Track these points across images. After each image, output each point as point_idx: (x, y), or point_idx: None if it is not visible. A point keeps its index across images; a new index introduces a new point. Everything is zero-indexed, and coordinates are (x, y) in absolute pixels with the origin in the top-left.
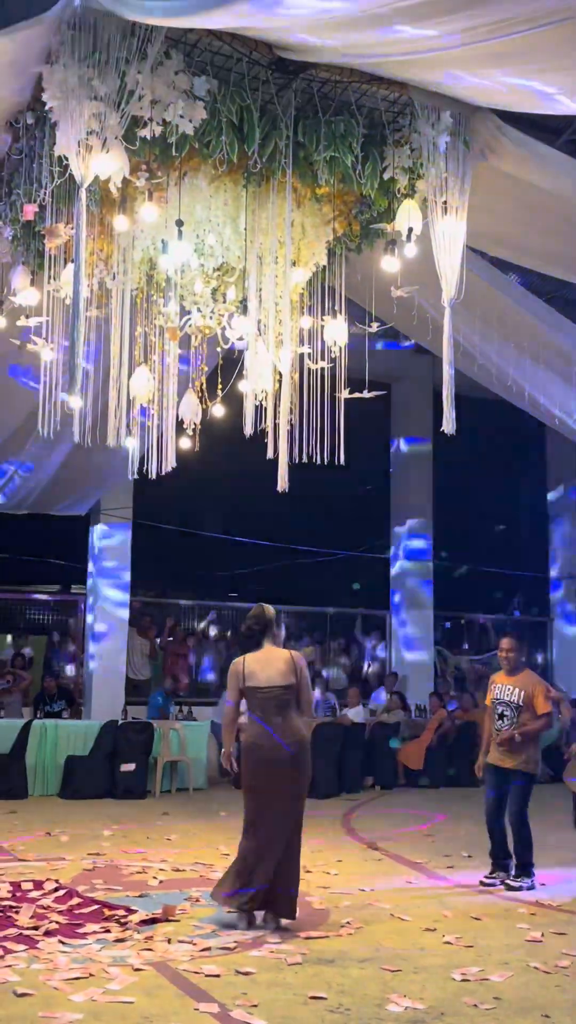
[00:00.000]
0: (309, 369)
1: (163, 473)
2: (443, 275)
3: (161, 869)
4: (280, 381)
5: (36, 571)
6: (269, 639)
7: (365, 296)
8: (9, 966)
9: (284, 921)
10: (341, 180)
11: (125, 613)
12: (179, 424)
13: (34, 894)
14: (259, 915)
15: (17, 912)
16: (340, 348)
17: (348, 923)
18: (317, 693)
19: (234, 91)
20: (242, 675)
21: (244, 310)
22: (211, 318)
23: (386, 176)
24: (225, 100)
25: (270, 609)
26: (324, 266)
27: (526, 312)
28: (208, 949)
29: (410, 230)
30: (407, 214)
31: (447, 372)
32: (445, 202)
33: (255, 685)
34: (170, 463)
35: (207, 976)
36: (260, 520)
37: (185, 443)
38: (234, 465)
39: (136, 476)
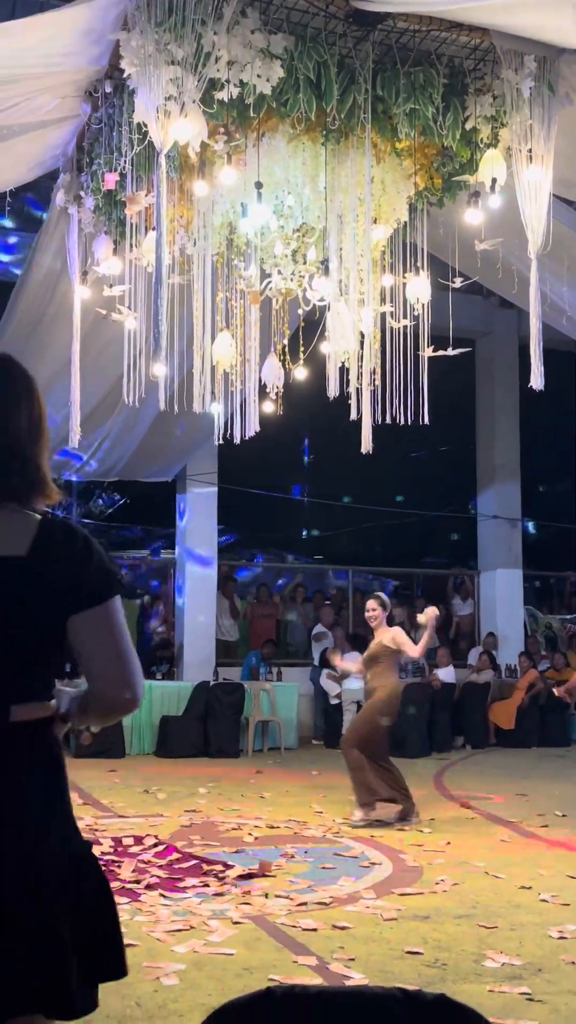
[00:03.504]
0: (391, 328)
1: (247, 437)
2: (528, 226)
3: (256, 826)
4: (362, 341)
5: (125, 537)
6: None
7: (448, 251)
8: None
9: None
10: (422, 133)
11: (213, 576)
12: (262, 388)
13: (135, 849)
14: None
15: (119, 866)
16: (423, 305)
17: (442, 880)
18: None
19: (311, 47)
20: None
21: (325, 270)
22: (292, 280)
23: (468, 126)
24: (302, 57)
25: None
26: (405, 222)
27: None
28: (304, 904)
29: (494, 181)
30: (490, 164)
31: (534, 326)
32: (530, 150)
33: None
34: (254, 427)
35: (304, 930)
36: (345, 482)
37: (268, 407)
38: (318, 427)
39: (221, 441)
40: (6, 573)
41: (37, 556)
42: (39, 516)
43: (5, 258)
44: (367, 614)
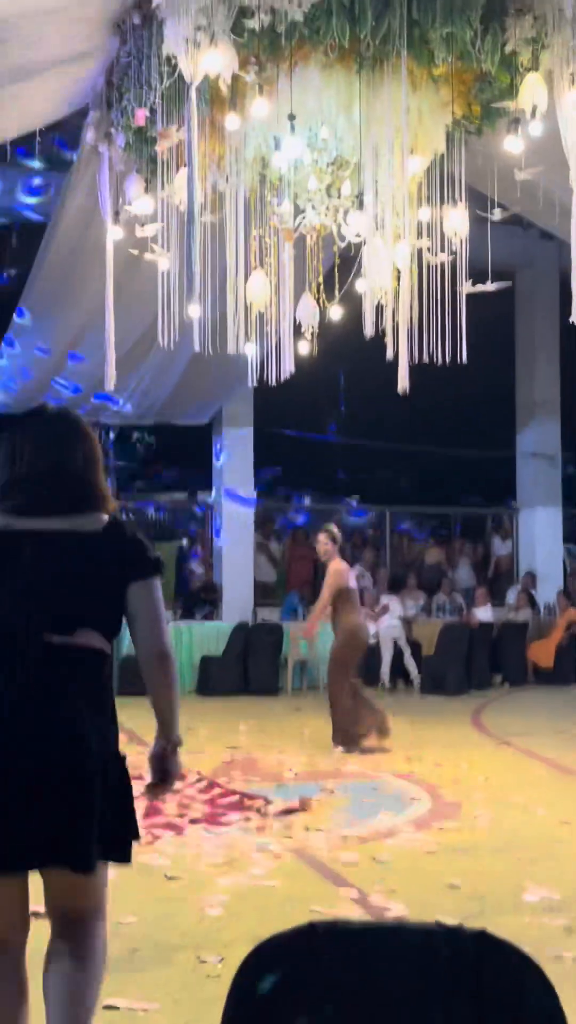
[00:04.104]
0: (429, 263)
1: (282, 379)
2: (571, 153)
3: (296, 762)
4: (399, 278)
5: (162, 479)
6: None
7: (487, 182)
8: (159, 851)
9: None
10: (459, 58)
11: (250, 518)
12: (297, 328)
13: (178, 784)
14: None
15: (163, 801)
16: (461, 239)
17: (481, 815)
18: (443, 594)
19: None
20: None
21: (360, 205)
22: (326, 216)
23: (508, 49)
24: None
25: None
26: (443, 153)
27: None
28: (344, 838)
29: (534, 107)
30: (531, 89)
31: None
32: (572, 74)
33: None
34: (289, 368)
35: (345, 863)
36: (381, 422)
37: (303, 347)
38: (353, 367)
39: (255, 383)
40: (89, 541)
41: (108, 536)
42: (107, 516)
43: (31, 200)
44: (318, 547)
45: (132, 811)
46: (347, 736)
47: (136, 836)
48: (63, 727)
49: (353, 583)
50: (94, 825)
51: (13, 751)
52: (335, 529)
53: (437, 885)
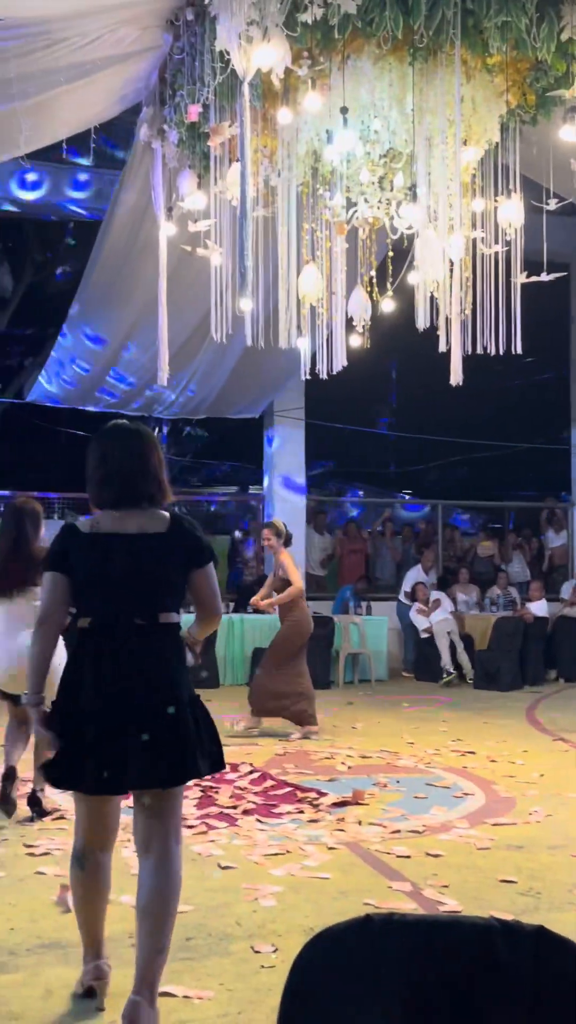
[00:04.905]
0: (482, 255)
1: (334, 372)
2: None
3: (348, 755)
4: (452, 269)
5: (215, 473)
6: None
7: (542, 171)
8: (212, 841)
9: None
10: (514, 47)
11: (301, 512)
12: (349, 321)
13: (231, 776)
14: None
15: (217, 792)
16: (515, 230)
17: (536, 811)
18: (497, 588)
19: None
20: None
21: (413, 197)
22: (378, 208)
23: (564, 37)
24: None
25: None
26: (497, 142)
27: None
28: (398, 832)
29: None
30: None
31: None
32: None
33: None
34: (341, 361)
35: (398, 857)
36: (434, 415)
37: (355, 340)
38: (406, 360)
39: (308, 376)
40: (156, 541)
41: (171, 534)
42: (168, 514)
43: (80, 195)
44: (263, 542)
45: (216, 732)
46: (301, 715)
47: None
48: (156, 683)
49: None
50: (194, 749)
51: (118, 703)
52: (280, 523)
53: (491, 881)
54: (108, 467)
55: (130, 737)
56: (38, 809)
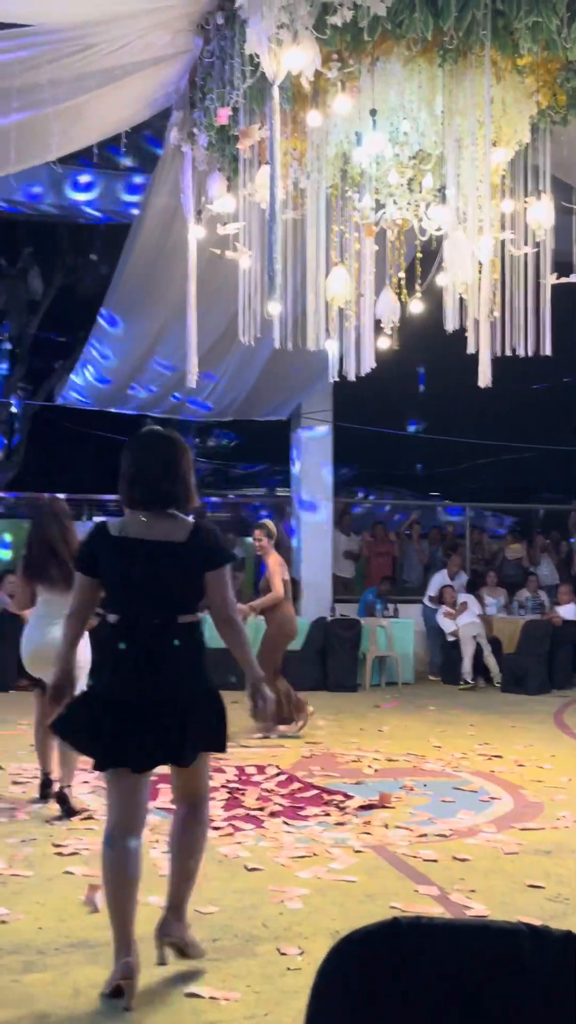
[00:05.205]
0: (512, 256)
1: (362, 374)
2: None
3: (375, 758)
4: (481, 271)
5: (242, 476)
6: None
7: (573, 172)
8: (239, 843)
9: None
10: (545, 47)
11: (328, 514)
12: (377, 323)
13: (257, 778)
14: None
15: (243, 794)
16: (545, 231)
17: (564, 816)
18: (526, 591)
19: None
20: None
21: (442, 198)
22: (407, 210)
23: None
24: None
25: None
26: (527, 143)
27: None
28: (424, 835)
29: None
30: None
31: None
32: None
33: None
34: (369, 364)
35: (425, 861)
36: (462, 417)
37: (384, 342)
38: (434, 362)
39: (336, 378)
40: (178, 549)
41: (191, 542)
42: (191, 520)
43: (133, 199)
44: (254, 543)
45: (225, 720)
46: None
47: (226, 735)
48: (172, 675)
49: (287, 575)
50: (197, 736)
51: (140, 693)
52: (271, 525)
53: (519, 886)
54: (139, 470)
55: (150, 723)
56: (66, 807)
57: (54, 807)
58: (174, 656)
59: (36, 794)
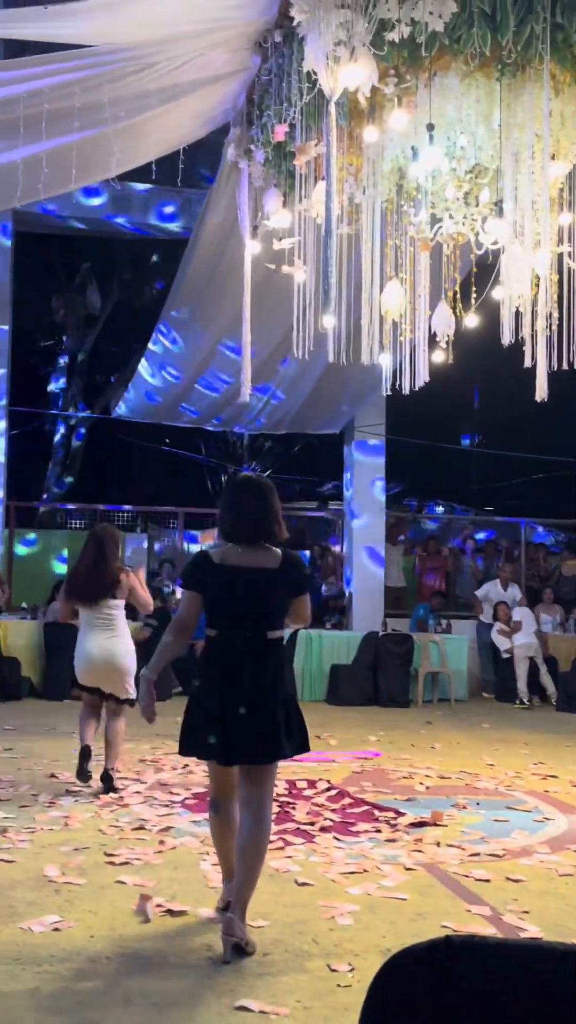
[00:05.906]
0: (570, 269)
1: (416, 388)
2: None
3: (427, 775)
4: (538, 284)
5: (295, 488)
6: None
7: None
8: (289, 857)
9: None
10: None
11: (381, 527)
12: (432, 337)
13: (308, 792)
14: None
15: (294, 808)
16: None
17: None
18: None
19: None
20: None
21: (499, 212)
22: (463, 224)
23: None
24: None
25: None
26: None
27: None
28: (477, 855)
29: None
30: None
31: None
32: None
33: None
34: (423, 377)
35: (477, 880)
36: (517, 431)
37: (438, 356)
38: (490, 375)
39: (389, 392)
40: (271, 575)
41: (282, 569)
42: (280, 551)
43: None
44: None
45: (304, 725)
46: None
47: (307, 737)
48: (259, 684)
49: None
50: (281, 737)
51: (231, 697)
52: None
53: (573, 908)
54: (240, 514)
55: (236, 723)
56: (109, 784)
57: (96, 784)
58: (263, 667)
59: (88, 797)
